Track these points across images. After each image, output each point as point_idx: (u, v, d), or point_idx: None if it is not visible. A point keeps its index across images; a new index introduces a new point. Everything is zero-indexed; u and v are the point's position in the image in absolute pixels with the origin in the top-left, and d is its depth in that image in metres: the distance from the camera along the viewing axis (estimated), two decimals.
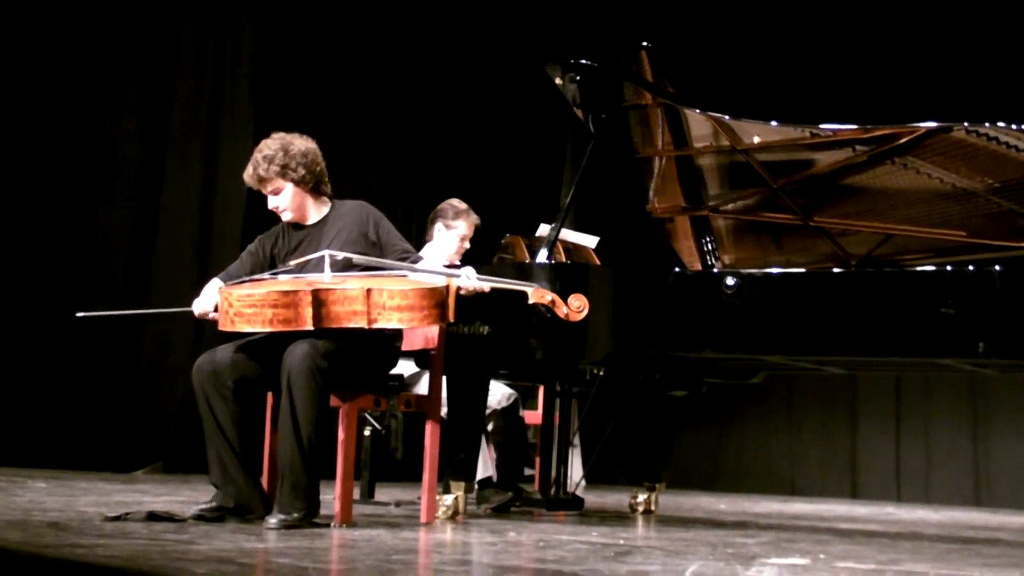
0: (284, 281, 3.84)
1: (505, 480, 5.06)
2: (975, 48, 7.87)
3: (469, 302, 3.96)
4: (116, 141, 6.97)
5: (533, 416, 5.59)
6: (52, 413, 6.51)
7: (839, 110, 6.99)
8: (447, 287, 3.77)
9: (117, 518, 3.57)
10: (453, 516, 4.37)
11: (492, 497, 5.02)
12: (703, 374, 5.30)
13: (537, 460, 5.40)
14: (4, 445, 6.18)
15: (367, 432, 5.09)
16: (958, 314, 4.10)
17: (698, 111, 4.83)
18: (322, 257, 3.83)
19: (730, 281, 4.42)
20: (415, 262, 4.02)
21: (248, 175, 4.02)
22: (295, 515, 3.62)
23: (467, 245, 5.20)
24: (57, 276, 6.66)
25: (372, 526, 3.88)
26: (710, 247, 5.24)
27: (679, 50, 7.33)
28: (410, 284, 3.75)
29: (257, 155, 4.00)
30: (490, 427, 5.06)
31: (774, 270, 4.62)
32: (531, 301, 3.93)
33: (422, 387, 4.64)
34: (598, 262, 5.24)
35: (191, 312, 4.00)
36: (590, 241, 5.36)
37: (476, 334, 4.37)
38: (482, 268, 4.09)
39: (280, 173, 3.97)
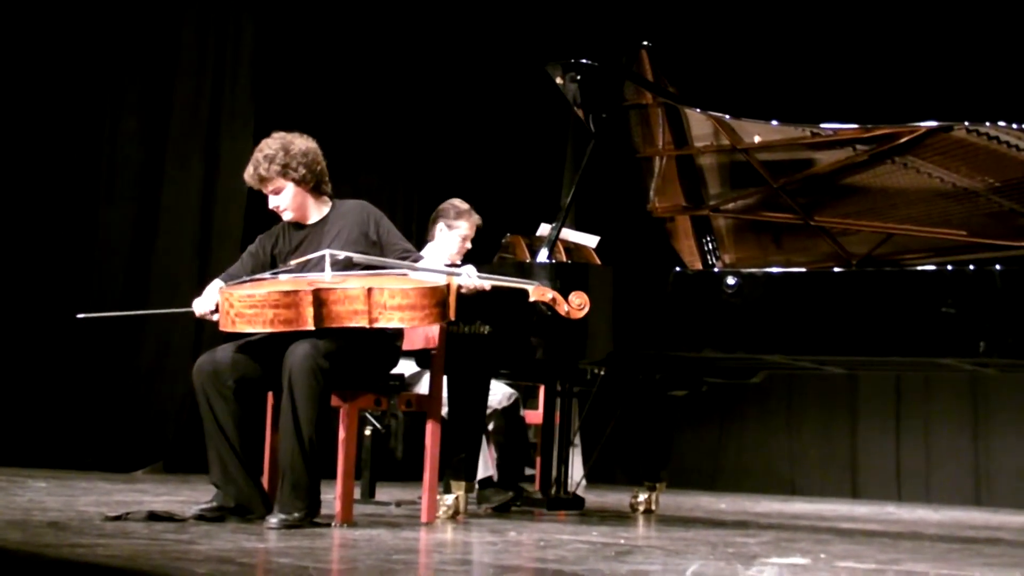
0: (285, 281, 3.83)
1: (506, 480, 5.06)
2: (975, 48, 7.87)
3: (470, 301, 3.96)
4: (116, 141, 6.97)
5: (534, 416, 5.58)
6: (52, 413, 6.51)
7: (839, 109, 7.00)
8: (448, 286, 3.77)
9: (117, 518, 3.56)
10: (454, 516, 4.37)
11: (493, 497, 5.01)
12: (703, 374, 5.30)
13: (538, 460, 5.40)
14: (4, 445, 6.18)
15: (368, 432, 5.09)
16: (958, 314, 4.10)
17: (698, 111, 4.83)
18: (323, 256, 3.83)
19: (731, 281, 4.42)
20: (415, 262, 4.02)
21: (249, 175, 4.02)
22: (296, 515, 3.62)
23: (468, 245, 5.20)
24: (57, 276, 6.66)
25: (373, 526, 3.87)
26: (711, 247, 5.24)
27: (680, 50, 7.33)
28: (411, 283, 3.75)
29: (258, 155, 4.00)
30: (491, 427, 5.06)
31: (774, 269, 4.62)
32: (532, 299, 3.93)
33: (423, 387, 4.64)
34: (598, 262, 5.24)
35: (192, 312, 4.00)
36: (591, 241, 5.36)
37: (477, 333, 4.37)
38: (483, 267, 4.08)
39: (281, 172, 3.97)
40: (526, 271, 4.43)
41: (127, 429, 6.73)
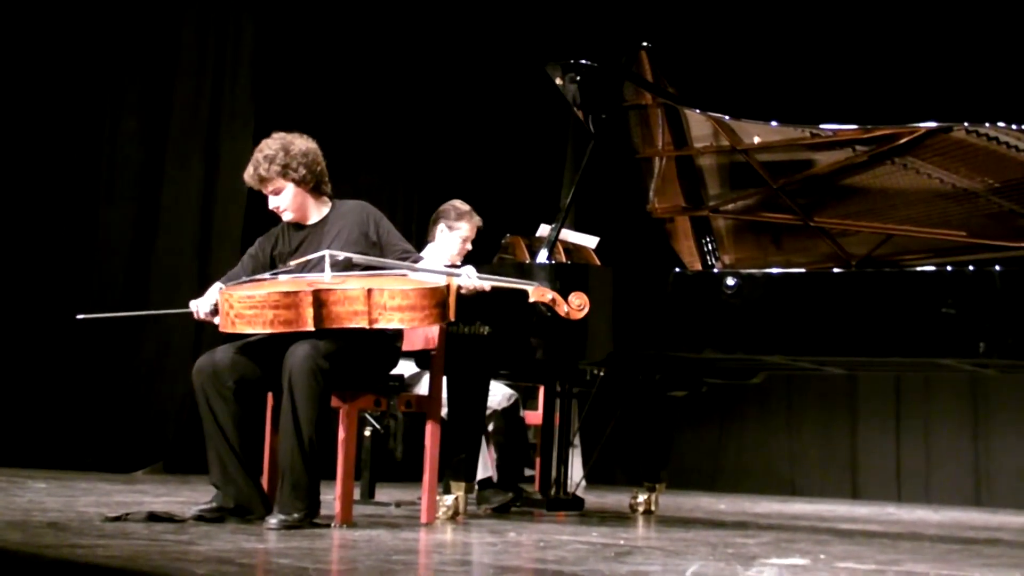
0: (284, 282, 3.83)
1: (505, 480, 5.06)
2: (975, 48, 7.87)
3: (469, 302, 3.96)
4: (116, 141, 6.98)
5: (533, 416, 5.58)
6: (52, 414, 6.51)
7: (839, 110, 7.00)
8: (448, 286, 3.77)
9: (117, 518, 3.56)
10: (453, 516, 4.37)
11: (492, 497, 5.02)
12: (703, 374, 5.30)
13: (537, 460, 5.40)
14: (4, 445, 6.18)
15: (367, 432, 5.09)
16: (958, 314, 4.10)
17: (698, 111, 4.83)
18: (322, 257, 3.83)
19: (730, 281, 4.42)
20: (415, 262, 4.02)
21: (249, 175, 4.02)
22: (295, 515, 3.62)
23: (469, 247, 5.21)
24: (57, 276, 6.66)
25: (372, 526, 3.88)
26: (710, 247, 5.24)
27: (679, 50, 7.33)
28: (411, 284, 3.75)
29: (258, 155, 4.00)
30: (490, 427, 5.06)
31: (774, 270, 4.62)
32: (532, 299, 3.93)
33: (422, 387, 4.64)
34: (598, 262, 5.24)
35: (191, 313, 3.99)
36: (590, 241, 5.37)
37: (476, 334, 4.37)
38: (482, 268, 4.09)
39: (281, 173, 3.97)
40: (526, 272, 4.43)
41: (127, 430, 6.73)
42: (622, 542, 3.77)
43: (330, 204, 4.12)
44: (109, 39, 6.93)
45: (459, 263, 5.00)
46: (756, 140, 4.75)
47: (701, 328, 4.46)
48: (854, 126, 4.52)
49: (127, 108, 7.02)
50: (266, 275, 3.95)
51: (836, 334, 4.32)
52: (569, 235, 5.32)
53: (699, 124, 4.91)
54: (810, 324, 4.34)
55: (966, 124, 4.27)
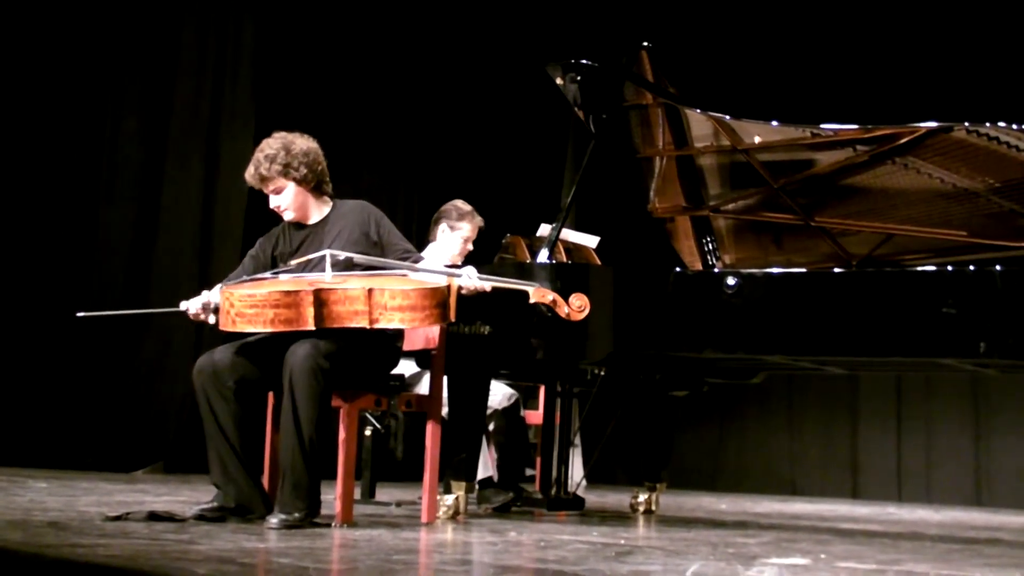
0: (285, 281, 3.83)
1: (506, 480, 5.06)
2: (975, 48, 7.87)
3: (470, 302, 3.96)
4: (117, 141, 6.97)
5: (534, 416, 5.58)
6: (53, 413, 6.51)
7: (840, 110, 7.00)
8: (448, 287, 3.77)
9: (118, 518, 3.56)
10: (454, 516, 4.37)
11: (493, 497, 5.02)
12: (704, 374, 5.30)
13: (538, 460, 5.40)
14: (4, 445, 6.18)
15: (368, 432, 5.09)
16: (959, 314, 4.10)
17: (699, 111, 4.83)
18: (323, 257, 3.83)
19: (731, 281, 4.42)
20: (416, 262, 4.02)
21: (250, 174, 4.02)
22: (296, 515, 3.62)
23: (470, 247, 5.21)
24: (57, 276, 6.66)
25: (373, 526, 3.88)
26: (711, 247, 5.24)
27: (680, 50, 7.34)
28: (412, 284, 3.75)
29: (259, 154, 4.00)
30: (491, 427, 5.06)
31: (775, 270, 4.62)
32: (532, 301, 3.93)
33: (423, 387, 4.64)
34: (599, 262, 5.24)
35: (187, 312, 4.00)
36: (591, 241, 5.36)
37: (477, 334, 4.37)
38: (483, 268, 4.09)
39: (282, 172, 3.97)
40: (526, 271, 4.43)
41: (128, 429, 6.73)
42: (623, 542, 3.77)
43: (331, 204, 4.12)
44: (109, 39, 6.92)
45: (460, 263, 5.00)
46: (757, 140, 4.75)
47: (702, 328, 4.46)
48: (855, 126, 4.52)
49: (127, 108, 7.01)
50: (267, 274, 3.95)
51: (837, 334, 4.32)
52: (570, 235, 5.32)
53: (700, 124, 4.91)
54: (811, 324, 4.34)
55: (967, 124, 4.27)
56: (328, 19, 7.96)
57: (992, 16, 7.83)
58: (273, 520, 3.59)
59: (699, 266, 5.23)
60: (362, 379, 3.92)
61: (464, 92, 8.77)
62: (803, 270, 4.77)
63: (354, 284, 3.71)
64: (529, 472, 5.49)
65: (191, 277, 6.93)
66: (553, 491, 5.13)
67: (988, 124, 4.22)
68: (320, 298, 3.67)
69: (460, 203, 5.23)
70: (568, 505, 5.11)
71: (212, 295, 3.92)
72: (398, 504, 4.93)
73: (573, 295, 3.92)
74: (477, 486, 4.94)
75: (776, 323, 4.38)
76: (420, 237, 5.60)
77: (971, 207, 4.52)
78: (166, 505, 4.10)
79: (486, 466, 5.02)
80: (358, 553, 3.05)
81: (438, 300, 3.73)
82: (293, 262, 3.96)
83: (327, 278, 3.77)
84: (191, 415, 6.06)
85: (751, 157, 4.80)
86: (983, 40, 7.86)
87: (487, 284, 3.88)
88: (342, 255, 3.86)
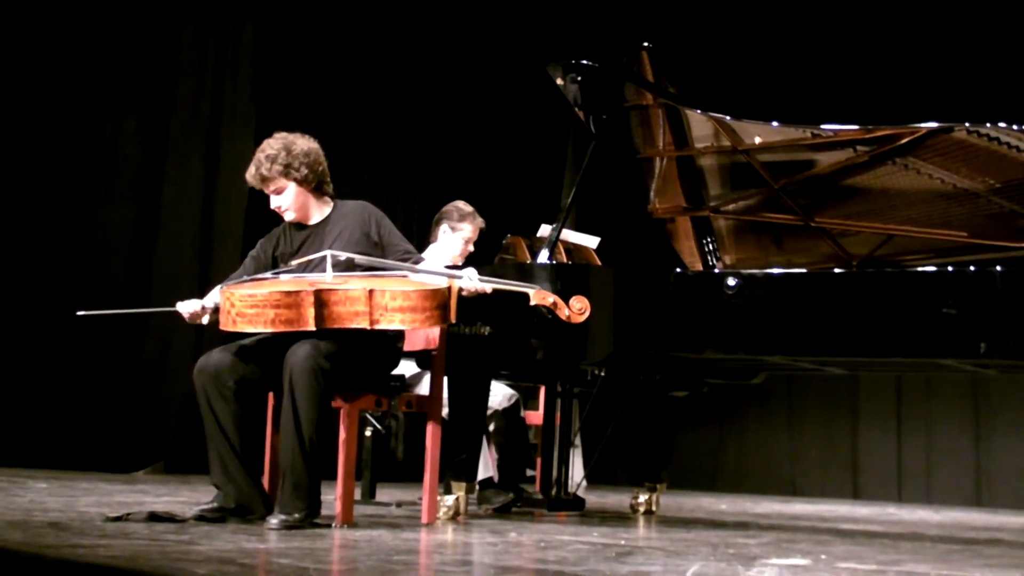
0: (286, 281, 3.83)
1: (506, 481, 5.06)
2: (975, 48, 7.87)
3: (470, 303, 3.96)
4: (117, 141, 6.98)
5: (534, 417, 5.58)
6: (53, 413, 6.52)
7: (840, 110, 7.00)
8: (449, 288, 3.77)
9: (118, 518, 3.56)
10: (454, 517, 4.37)
11: (493, 498, 5.02)
12: (704, 374, 5.30)
13: (538, 461, 5.40)
14: (5, 445, 6.18)
15: (368, 432, 5.09)
16: (959, 315, 4.10)
17: (699, 111, 4.83)
18: (324, 257, 3.83)
19: (731, 281, 4.42)
20: (416, 263, 4.03)
21: (250, 175, 4.02)
22: (296, 515, 3.62)
23: (471, 248, 5.21)
24: (58, 276, 6.66)
25: (373, 526, 3.87)
26: (711, 247, 5.24)
27: (680, 50, 7.34)
28: (412, 285, 3.75)
29: (259, 154, 4.00)
30: (491, 428, 5.06)
31: (775, 270, 4.61)
32: (533, 303, 3.93)
33: (423, 387, 4.64)
34: (599, 262, 5.24)
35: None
36: (591, 241, 5.37)
37: (477, 335, 4.37)
38: (483, 268, 4.09)
39: (283, 172, 3.97)
40: (527, 272, 4.43)
41: (128, 430, 6.73)
42: (623, 542, 3.77)
43: (332, 204, 4.12)
44: (110, 39, 6.92)
45: (461, 264, 5.00)
46: (757, 140, 4.75)
47: (702, 328, 4.46)
48: (855, 126, 4.51)
49: (128, 108, 7.02)
50: (267, 275, 3.95)
51: (837, 334, 4.32)
52: (570, 235, 5.32)
53: (700, 124, 4.90)
54: (811, 324, 4.34)
55: (967, 124, 4.27)
56: (329, 19, 7.97)
57: (992, 16, 7.83)
58: (273, 521, 3.59)
59: (699, 267, 5.23)
60: (362, 380, 3.92)
61: (464, 92, 8.77)
62: (803, 271, 4.77)
63: (355, 285, 3.71)
64: (529, 473, 5.49)
65: (191, 277, 6.93)
66: (553, 491, 5.13)
67: (988, 124, 4.22)
68: (321, 299, 3.67)
69: (462, 204, 5.23)
70: (568, 506, 5.11)
71: (207, 300, 3.93)
72: (398, 505, 4.93)
73: (574, 297, 3.92)
74: (477, 487, 4.94)
75: (776, 324, 4.38)
76: (420, 238, 5.60)
77: (971, 208, 4.52)
78: (166, 506, 4.10)
79: (486, 467, 5.02)
80: (358, 554, 3.05)
81: (439, 301, 3.73)
82: (294, 262, 3.96)
83: (328, 278, 3.77)
84: (191, 415, 6.06)
85: (751, 158, 4.80)
86: (983, 40, 7.86)
87: (488, 286, 3.88)
88: (343, 256, 3.86)
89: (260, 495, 3.83)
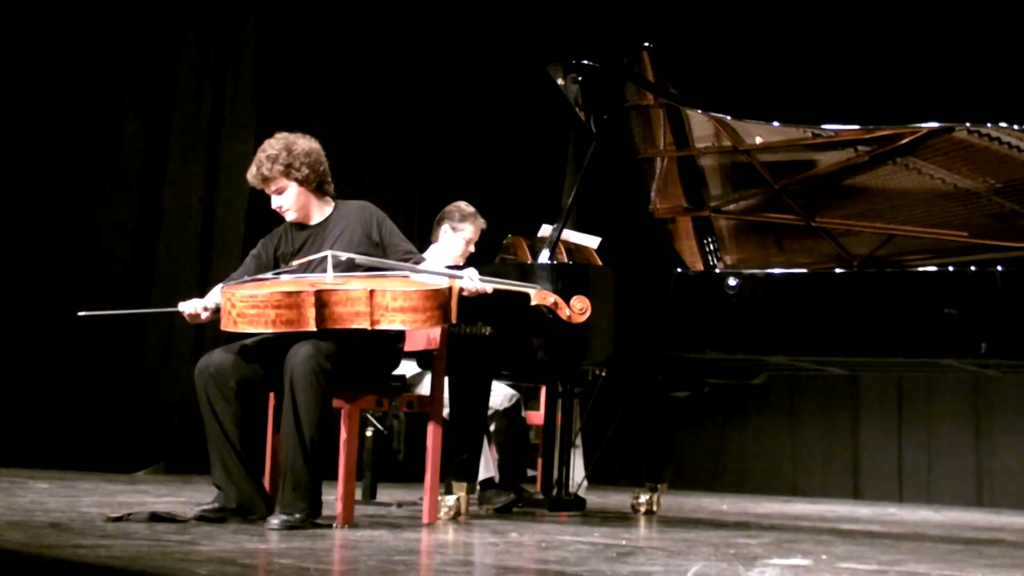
0: (287, 281, 3.84)
1: (507, 481, 5.06)
2: (976, 48, 7.86)
3: (471, 303, 3.96)
4: (118, 141, 6.98)
5: (535, 417, 5.58)
6: (54, 413, 6.52)
7: (841, 110, 7.00)
8: (450, 288, 3.77)
9: (119, 519, 3.57)
10: (455, 517, 4.37)
11: (494, 498, 5.02)
12: (705, 375, 5.30)
13: (539, 461, 5.40)
14: (6, 445, 6.18)
15: (369, 433, 5.09)
16: (960, 315, 4.10)
17: (700, 111, 4.83)
18: (325, 257, 3.83)
19: (732, 282, 4.42)
20: (418, 263, 4.03)
21: (251, 175, 4.03)
22: (297, 516, 3.62)
23: (472, 249, 5.22)
24: (59, 276, 6.66)
25: (374, 527, 3.88)
26: (712, 248, 5.24)
27: (681, 50, 7.33)
28: (413, 285, 3.75)
29: (260, 154, 4.01)
30: (492, 428, 5.06)
31: (776, 271, 4.61)
32: (533, 303, 3.93)
33: (424, 388, 4.65)
34: (600, 263, 5.24)
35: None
36: (592, 242, 5.37)
37: (478, 335, 4.37)
38: (484, 268, 4.09)
39: (284, 172, 3.97)
40: (527, 272, 4.43)
41: (129, 430, 6.73)
42: (624, 542, 3.77)
43: (333, 204, 4.12)
44: (111, 39, 6.93)
45: (462, 264, 5.00)
46: (758, 140, 4.75)
47: (703, 328, 4.46)
48: (856, 126, 4.52)
49: (129, 108, 7.02)
50: (268, 275, 3.95)
51: (838, 335, 4.32)
52: (571, 235, 5.32)
53: (701, 124, 4.90)
54: (812, 324, 4.34)
55: (968, 124, 4.27)
56: (330, 19, 7.97)
57: (992, 16, 7.83)
58: (274, 521, 3.59)
59: (700, 267, 5.23)
60: (363, 380, 3.92)
61: (465, 93, 8.77)
62: (804, 271, 4.77)
63: (356, 285, 3.71)
64: (530, 473, 5.49)
65: (192, 277, 6.93)
66: (554, 492, 5.13)
67: (989, 124, 4.22)
68: (321, 299, 3.67)
69: (463, 205, 5.24)
70: (569, 506, 5.11)
71: (207, 300, 3.93)
72: (399, 505, 4.93)
73: (574, 297, 3.92)
74: (478, 487, 4.95)
75: (777, 324, 4.38)
76: (421, 238, 5.60)
77: (972, 208, 4.52)
78: (167, 506, 4.10)
79: (487, 467, 5.02)
80: (359, 554, 3.06)
81: (439, 301, 3.73)
82: (294, 263, 3.96)
83: (328, 279, 3.77)
84: (192, 416, 6.06)
85: (752, 158, 4.80)
86: (983, 40, 7.86)
87: (488, 286, 3.88)
88: (344, 256, 3.86)
89: (261, 495, 3.84)
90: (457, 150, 8.75)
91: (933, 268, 4.38)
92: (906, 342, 4.22)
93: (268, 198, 4.06)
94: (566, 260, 5.13)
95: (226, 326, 3.76)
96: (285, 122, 4.34)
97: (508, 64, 8.67)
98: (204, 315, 3.95)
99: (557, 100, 5.35)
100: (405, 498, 5.23)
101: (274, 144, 4.01)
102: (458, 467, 4.45)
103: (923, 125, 4.37)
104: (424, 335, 4.24)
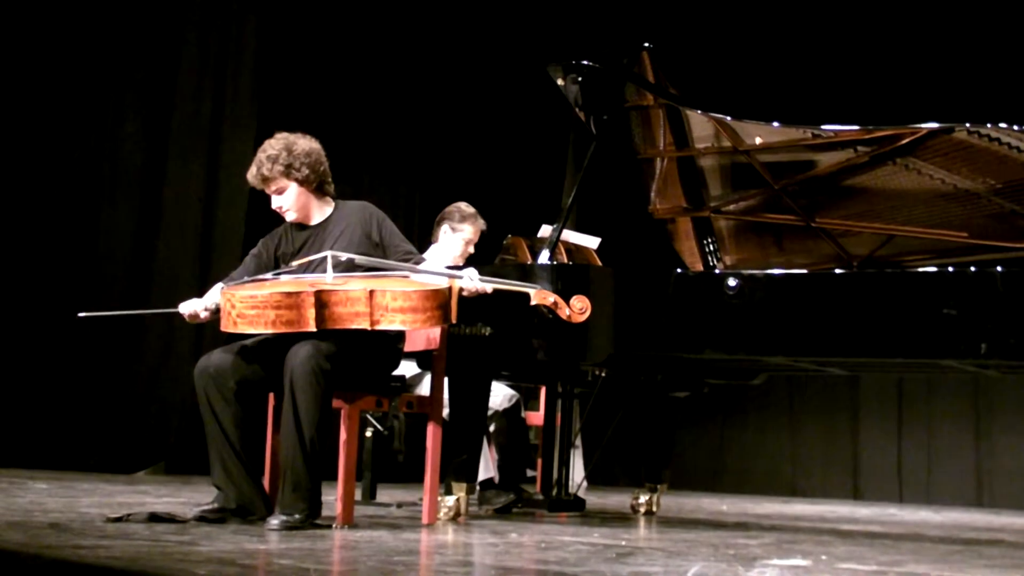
0: (286, 282, 3.84)
1: (507, 481, 5.06)
2: (976, 48, 7.86)
3: (471, 303, 3.96)
4: (118, 141, 6.98)
5: (535, 417, 5.58)
6: (54, 414, 6.52)
7: (841, 111, 6.99)
8: (450, 288, 3.77)
9: (119, 519, 3.57)
10: (455, 517, 4.37)
11: (494, 498, 5.02)
12: (705, 375, 5.30)
13: (539, 461, 5.40)
14: (6, 446, 6.18)
15: (369, 433, 5.09)
16: (960, 315, 4.10)
17: (700, 112, 4.83)
18: (325, 258, 3.83)
19: (732, 282, 4.42)
20: (418, 264, 4.03)
21: (251, 175, 4.02)
22: (297, 516, 3.62)
23: (472, 249, 5.22)
24: (59, 277, 6.66)
25: (374, 527, 3.88)
26: (712, 248, 5.24)
27: (681, 51, 7.33)
28: (413, 285, 3.75)
29: (261, 155, 4.01)
30: (492, 428, 5.06)
31: (776, 271, 4.61)
32: (533, 302, 3.93)
33: (424, 388, 4.65)
34: (600, 263, 5.24)
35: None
36: (592, 242, 5.37)
37: (478, 335, 4.37)
38: (484, 269, 4.09)
39: (284, 173, 3.97)
40: (527, 272, 4.43)
41: (129, 430, 6.73)
42: (624, 543, 3.77)
43: (333, 204, 4.12)
44: (111, 39, 6.93)
45: (462, 265, 5.00)
46: (758, 141, 4.75)
47: (702, 329, 4.46)
48: (856, 127, 4.51)
49: (129, 108, 7.02)
50: (268, 275, 3.95)
51: (838, 335, 4.32)
52: (571, 236, 5.32)
53: (701, 125, 4.91)
54: (812, 325, 4.34)
55: (967, 125, 4.27)
56: (330, 19, 7.97)
57: (992, 16, 7.83)
58: (274, 521, 3.59)
59: (700, 267, 5.23)
60: (363, 380, 3.92)
61: (465, 93, 8.77)
62: (804, 271, 4.77)
63: (355, 285, 3.71)
64: (530, 473, 5.49)
65: (192, 277, 6.93)
66: (554, 492, 5.13)
67: (989, 125, 4.22)
68: (321, 299, 3.67)
69: (463, 205, 5.24)
70: (569, 506, 5.11)
71: (206, 299, 3.93)
72: (399, 505, 4.93)
73: (574, 297, 3.92)
74: (478, 487, 4.94)
75: (777, 324, 4.38)
76: (421, 238, 5.60)
77: (972, 208, 4.52)
78: (167, 506, 4.10)
79: (487, 467, 5.02)
80: (359, 554, 3.05)
81: (439, 301, 3.73)
82: (295, 263, 3.96)
83: (328, 279, 3.77)
84: (192, 416, 6.06)
85: (752, 158, 4.80)
86: (983, 40, 7.86)
87: (488, 286, 3.89)
88: (344, 256, 3.86)
89: (261, 496, 3.84)
90: (457, 150, 8.74)
91: (933, 268, 4.38)
92: (906, 343, 4.22)
93: (268, 198, 4.06)
94: (566, 260, 5.13)
95: (226, 327, 3.76)
96: (285, 122, 4.34)
97: (508, 64, 8.67)
98: (203, 315, 3.95)
99: (557, 100, 5.35)
100: (405, 498, 5.23)
101: (274, 144, 4.01)
102: (458, 467, 4.45)
103: (923, 125, 4.37)
104: (424, 335, 4.24)
